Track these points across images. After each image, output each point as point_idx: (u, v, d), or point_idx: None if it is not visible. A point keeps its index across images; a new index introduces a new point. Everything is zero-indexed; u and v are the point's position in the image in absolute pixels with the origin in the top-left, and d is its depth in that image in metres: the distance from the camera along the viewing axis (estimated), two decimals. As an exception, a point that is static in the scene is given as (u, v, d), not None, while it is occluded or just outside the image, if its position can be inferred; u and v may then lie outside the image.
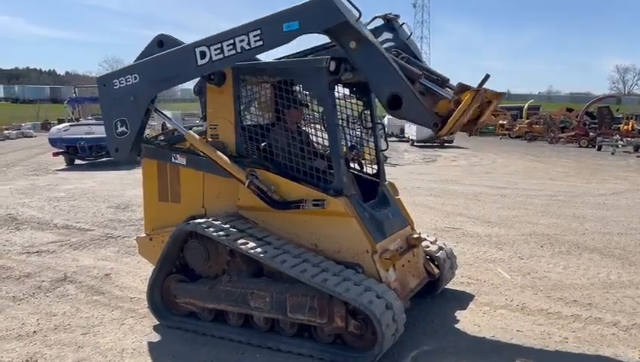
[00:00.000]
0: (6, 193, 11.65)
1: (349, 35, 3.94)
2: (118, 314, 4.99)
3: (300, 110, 4.89)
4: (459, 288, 5.68)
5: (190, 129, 5.07)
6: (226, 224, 4.44)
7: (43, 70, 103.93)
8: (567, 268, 6.46)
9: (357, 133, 5.38)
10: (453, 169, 17.30)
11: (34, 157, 19.38)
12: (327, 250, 4.35)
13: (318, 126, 4.77)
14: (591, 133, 28.00)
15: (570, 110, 36.74)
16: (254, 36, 4.02)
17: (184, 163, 4.81)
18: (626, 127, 27.57)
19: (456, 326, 4.75)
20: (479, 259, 6.82)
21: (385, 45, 4.37)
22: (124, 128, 4.71)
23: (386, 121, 30.51)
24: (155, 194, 5.16)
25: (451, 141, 27.04)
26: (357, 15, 3.90)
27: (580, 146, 27.03)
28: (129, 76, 4.60)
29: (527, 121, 33.87)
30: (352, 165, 5.16)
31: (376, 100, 4.60)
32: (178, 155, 4.84)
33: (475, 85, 3.80)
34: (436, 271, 5.14)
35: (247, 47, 4.06)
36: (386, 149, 5.30)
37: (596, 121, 30.81)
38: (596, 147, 25.55)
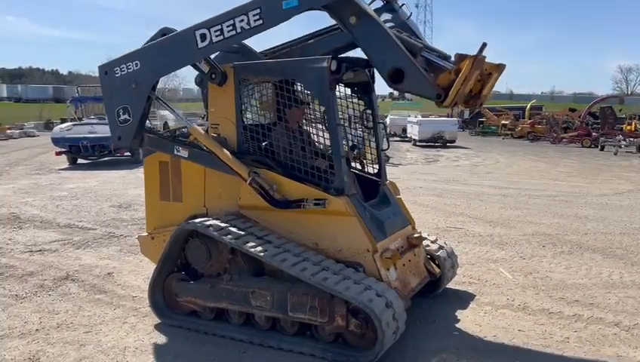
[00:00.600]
0: (9, 192, 11.69)
1: (348, 10, 3.93)
2: (121, 313, 5.00)
3: (301, 109, 4.89)
4: (461, 288, 5.68)
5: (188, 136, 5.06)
6: (226, 223, 4.45)
7: (46, 70, 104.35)
8: (569, 268, 6.46)
9: (358, 132, 5.38)
10: (455, 169, 17.28)
11: (37, 157, 19.43)
12: (328, 249, 4.36)
13: (319, 125, 4.77)
14: (594, 134, 27.91)
15: (572, 110, 36.66)
16: (254, 15, 4.01)
17: (186, 156, 4.78)
18: (628, 127, 27.48)
19: (458, 325, 4.75)
20: (481, 258, 6.82)
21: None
22: (126, 116, 4.70)
23: (388, 120, 30.64)
24: (157, 194, 5.17)
25: (453, 141, 27.01)
26: None
27: (583, 146, 26.96)
28: (130, 63, 4.59)
29: (529, 121, 33.77)
30: (353, 164, 5.16)
31: (378, 100, 4.60)
32: (180, 148, 4.81)
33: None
34: (437, 270, 5.14)
35: (247, 27, 4.06)
36: (387, 149, 5.30)
37: (599, 121, 30.71)
38: (599, 147, 25.48)
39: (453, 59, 4.02)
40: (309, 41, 4.85)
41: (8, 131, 30.01)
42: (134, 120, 4.68)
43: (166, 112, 22.94)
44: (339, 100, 4.69)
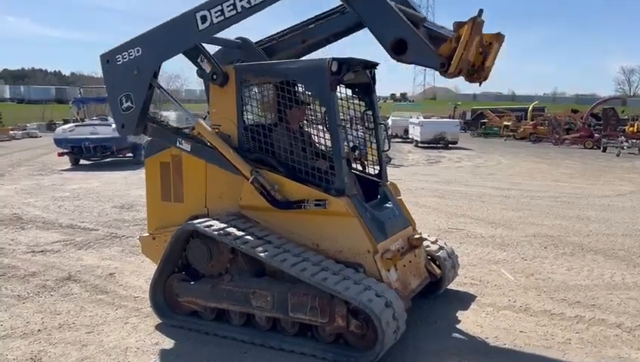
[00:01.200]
0: (11, 193, 11.72)
1: None
2: (122, 313, 5.01)
3: (302, 110, 4.90)
4: (462, 289, 5.67)
5: (193, 129, 5.05)
6: (227, 223, 4.45)
7: (49, 70, 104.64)
8: (571, 269, 6.45)
9: (359, 133, 5.39)
10: (457, 170, 17.27)
11: (39, 158, 19.48)
12: (328, 250, 4.36)
13: (320, 126, 4.77)
14: (596, 135, 27.86)
15: (575, 111, 36.61)
16: None
17: (188, 149, 4.76)
18: (631, 128, 27.40)
19: (459, 326, 4.75)
20: (483, 260, 6.81)
21: None
22: (129, 103, 4.68)
23: (390, 122, 30.64)
24: (158, 194, 5.19)
25: (455, 142, 26.97)
26: None
27: (585, 148, 26.89)
28: (132, 50, 4.58)
29: (531, 123, 33.72)
30: (353, 165, 5.16)
31: (379, 102, 4.59)
32: (183, 141, 4.78)
33: None
34: (438, 271, 5.14)
35: (248, 6, 4.04)
36: (388, 150, 5.30)
37: (601, 122, 30.67)
38: (601, 149, 25.43)
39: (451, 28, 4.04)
40: (310, 26, 4.82)
41: (11, 132, 30.12)
42: (137, 107, 4.65)
43: (168, 113, 23.00)
44: (340, 101, 4.69)
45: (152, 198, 5.27)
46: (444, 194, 11.89)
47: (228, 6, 4.10)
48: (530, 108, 38.61)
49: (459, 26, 3.83)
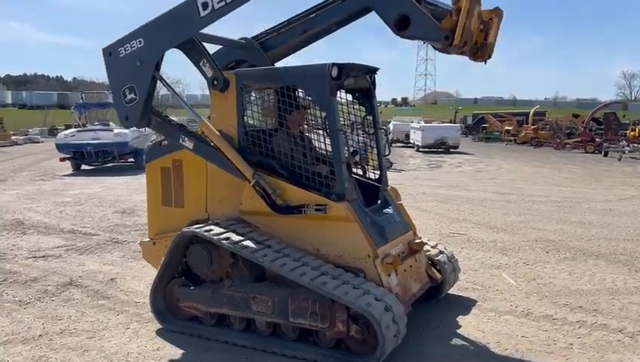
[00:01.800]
0: (13, 198, 11.74)
1: None
2: (124, 319, 5.01)
3: (300, 112, 4.91)
4: (464, 294, 5.66)
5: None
6: (227, 228, 4.46)
7: (51, 76, 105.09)
8: (573, 274, 6.43)
9: (360, 138, 5.39)
10: (458, 175, 17.26)
11: (41, 163, 19.53)
12: (329, 255, 4.36)
13: (320, 131, 4.78)
14: (597, 139, 27.86)
15: (576, 116, 36.63)
16: None
17: (191, 147, 4.74)
18: (632, 133, 27.42)
19: (461, 331, 4.74)
20: (484, 264, 6.80)
21: None
22: (132, 95, 4.68)
23: (391, 126, 30.68)
24: (159, 199, 5.20)
25: (457, 147, 26.99)
26: None
27: (587, 152, 26.89)
28: (134, 41, 4.59)
29: (533, 127, 33.76)
30: (354, 170, 5.17)
31: (380, 107, 4.59)
32: (186, 138, 4.76)
33: None
34: (438, 276, 5.13)
35: None
36: (388, 155, 5.30)
37: (602, 127, 30.67)
38: (602, 153, 25.42)
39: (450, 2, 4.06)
40: (310, 16, 4.82)
41: (13, 137, 30.19)
42: (141, 99, 4.65)
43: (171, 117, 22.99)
44: (340, 106, 4.70)
45: (153, 203, 5.28)
46: (446, 199, 11.88)
47: None
48: (531, 113, 38.62)
49: None
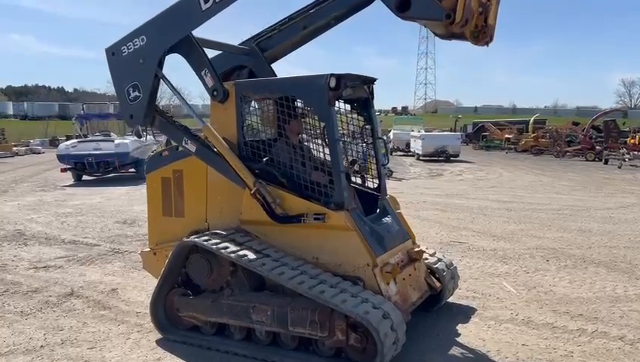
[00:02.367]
0: (14, 209, 11.77)
1: None
2: (125, 329, 5.02)
3: (299, 121, 4.95)
4: (464, 302, 5.66)
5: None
6: (226, 237, 4.48)
7: (52, 87, 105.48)
8: (573, 281, 6.43)
9: (359, 147, 5.43)
10: (458, 183, 17.28)
11: (42, 174, 19.57)
12: (328, 264, 4.37)
13: (319, 141, 4.81)
14: (597, 147, 27.91)
15: (576, 124, 36.68)
16: None
17: (193, 150, 4.75)
18: (632, 140, 27.48)
19: (462, 340, 4.74)
20: (485, 273, 6.80)
21: None
22: (136, 93, 4.69)
23: (391, 135, 30.75)
24: (160, 209, 5.22)
25: (457, 155, 27.03)
26: None
27: (587, 160, 26.92)
28: (136, 39, 4.62)
29: (533, 135, 33.84)
30: (353, 179, 5.19)
31: (380, 115, 4.62)
32: (189, 141, 4.76)
33: None
34: (438, 284, 5.14)
35: None
36: (387, 163, 5.33)
37: (602, 134, 30.73)
38: (603, 161, 25.45)
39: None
40: (310, 12, 4.85)
41: (14, 148, 30.27)
42: (144, 96, 4.67)
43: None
44: (339, 116, 4.73)
45: (154, 213, 5.30)
46: (446, 208, 11.90)
47: None
48: (531, 121, 38.73)
49: None
